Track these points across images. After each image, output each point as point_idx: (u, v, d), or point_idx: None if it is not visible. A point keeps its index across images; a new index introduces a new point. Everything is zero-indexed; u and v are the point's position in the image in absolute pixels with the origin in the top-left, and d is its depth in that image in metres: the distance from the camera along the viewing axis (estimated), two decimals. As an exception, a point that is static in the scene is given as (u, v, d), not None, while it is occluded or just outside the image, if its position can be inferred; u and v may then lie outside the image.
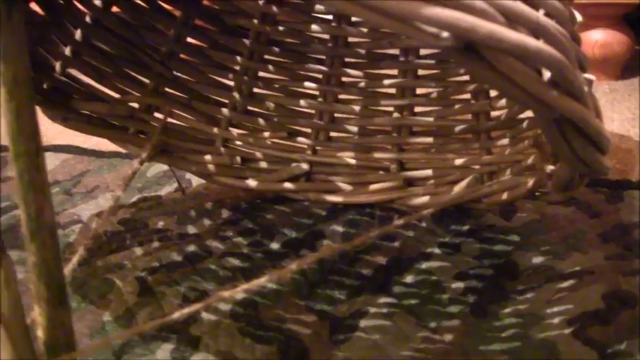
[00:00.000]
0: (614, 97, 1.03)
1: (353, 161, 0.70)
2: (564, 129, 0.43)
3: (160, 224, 0.69)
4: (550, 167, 0.54)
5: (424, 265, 0.58)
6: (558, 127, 0.43)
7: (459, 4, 0.34)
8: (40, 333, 0.38)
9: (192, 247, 0.64)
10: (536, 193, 0.60)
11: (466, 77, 0.67)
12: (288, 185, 0.70)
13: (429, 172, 0.67)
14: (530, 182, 0.57)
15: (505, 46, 0.34)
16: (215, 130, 0.71)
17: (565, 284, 0.54)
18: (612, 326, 0.49)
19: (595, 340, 0.47)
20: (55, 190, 0.78)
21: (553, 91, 0.39)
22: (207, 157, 0.71)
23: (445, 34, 0.34)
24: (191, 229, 0.67)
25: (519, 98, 0.38)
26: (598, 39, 1.09)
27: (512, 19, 0.36)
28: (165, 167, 0.81)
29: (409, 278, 0.57)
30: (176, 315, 0.39)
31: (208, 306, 0.54)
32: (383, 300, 0.54)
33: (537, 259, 0.58)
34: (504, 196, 0.60)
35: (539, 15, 0.39)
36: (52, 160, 0.87)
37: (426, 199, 0.66)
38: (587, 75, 0.47)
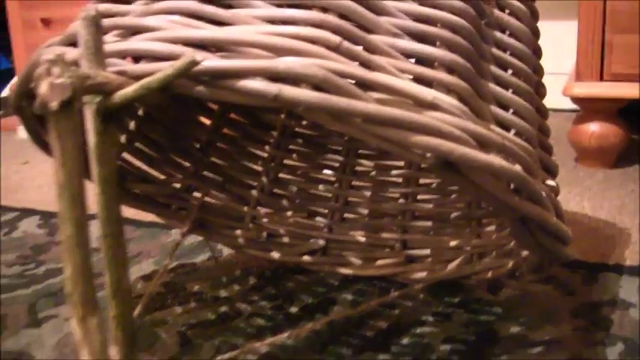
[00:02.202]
0: (607, 185, 1.13)
1: (363, 239, 0.81)
2: (529, 225, 0.54)
3: (196, 288, 0.80)
4: (525, 252, 0.65)
5: (418, 330, 0.69)
6: (524, 224, 0.54)
7: (441, 133, 0.45)
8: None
9: (224, 308, 0.75)
10: (516, 273, 0.71)
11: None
12: (306, 258, 0.82)
13: (427, 251, 0.78)
14: (510, 264, 0.68)
15: (475, 164, 0.46)
16: (245, 208, 0.83)
17: (535, 350, 0.64)
18: (570, 385, 0.59)
19: (554, 395, 0.58)
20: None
21: (515, 197, 0.50)
22: (238, 232, 0.83)
23: (429, 154, 0.46)
24: (223, 293, 0.79)
25: (488, 201, 0.50)
26: (594, 130, 1.17)
27: (483, 143, 0.48)
28: (200, 238, 0.92)
29: (405, 340, 0.67)
30: None
31: (239, 357, 0.65)
32: (382, 357, 0.65)
33: (514, 329, 0.68)
34: (489, 274, 0.71)
35: (506, 138, 0.51)
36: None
37: (424, 274, 0.77)
38: (550, 182, 0.59)
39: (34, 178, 1.33)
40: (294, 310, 0.75)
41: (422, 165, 0.81)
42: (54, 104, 0.40)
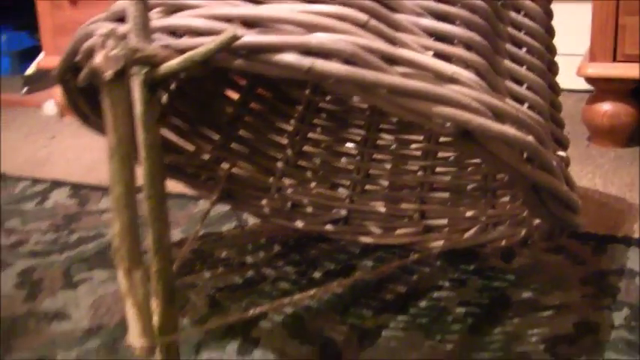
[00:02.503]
0: (618, 163, 1.16)
1: (383, 210, 0.85)
2: (541, 194, 0.58)
3: (224, 254, 0.85)
4: (537, 221, 0.69)
5: (435, 294, 0.73)
6: (536, 192, 0.58)
7: (460, 104, 0.49)
8: (155, 320, 0.53)
9: (250, 273, 0.79)
10: (528, 242, 0.74)
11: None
12: (329, 227, 0.86)
13: (444, 221, 0.82)
14: (523, 232, 0.72)
15: (491, 134, 0.50)
16: (271, 179, 0.87)
17: (545, 314, 0.68)
18: (577, 346, 0.63)
19: (561, 354, 0.62)
20: (135, 223, 0.95)
21: (528, 166, 0.54)
22: (264, 202, 0.87)
23: (448, 124, 0.49)
24: (249, 259, 0.83)
25: (502, 169, 0.53)
26: (607, 110, 1.20)
27: (498, 114, 0.51)
28: (226, 209, 0.96)
29: (422, 303, 0.72)
30: (244, 315, 0.54)
31: (266, 314, 0.69)
32: (401, 318, 0.69)
33: (526, 294, 0.72)
34: (503, 242, 0.75)
35: (520, 110, 0.55)
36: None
37: (440, 242, 0.81)
38: (560, 153, 0.62)
39: (62, 152, 1.38)
40: (317, 275, 0.79)
41: (441, 136, 0.85)
42: (108, 74, 0.44)
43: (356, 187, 0.87)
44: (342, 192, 0.87)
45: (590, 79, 1.20)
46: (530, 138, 0.53)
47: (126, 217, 0.48)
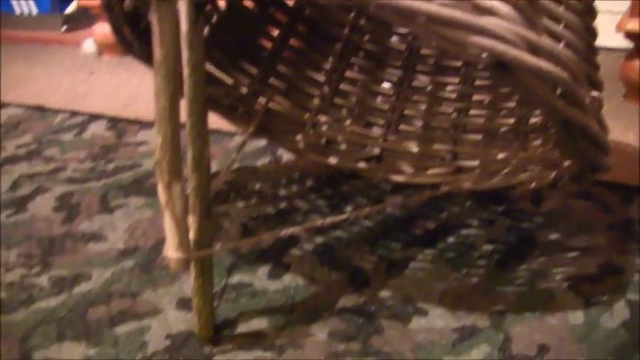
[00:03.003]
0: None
1: (416, 150, 0.86)
2: (571, 130, 0.59)
3: (257, 187, 0.86)
4: (566, 163, 0.70)
5: (464, 232, 0.75)
6: (567, 128, 0.59)
7: (497, 35, 0.50)
8: (191, 234, 0.55)
9: (282, 205, 0.81)
10: (558, 184, 0.75)
11: (513, 89, 0.83)
12: (361, 164, 0.87)
13: (476, 162, 0.83)
14: (553, 174, 0.73)
15: (525, 66, 0.51)
16: (306, 115, 0.88)
17: (570, 254, 0.70)
18: (599, 285, 0.64)
19: (583, 292, 0.63)
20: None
21: (560, 101, 0.55)
22: (299, 137, 0.88)
23: (484, 54, 0.50)
24: (282, 192, 0.85)
25: (534, 103, 0.54)
26: None
27: (534, 48, 0.52)
28: (261, 144, 0.98)
29: (451, 239, 0.73)
30: (277, 235, 0.56)
31: (297, 241, 0.71)
32: (429, 251, 0.71)
33: (553, 236, 0.73)
34: (533, 184, 0.76)
35: (555, 46, 0.55)
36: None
37: (471, 183, 0.82)
38: (594, 93, 0.63)
39: (100, 88, 1.40)
40: (348, 209, 0.80)
41: (476, 80, 0.85)
42: (157, -11, 0.46)
43: (390, 126, 0.88)
44: (377, 131, 0.88)
45: (629, 35, 1.19)
46: (564, 74, 0.54)
47: (169, 129, 0.49)
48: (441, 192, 0.66)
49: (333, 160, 0.87)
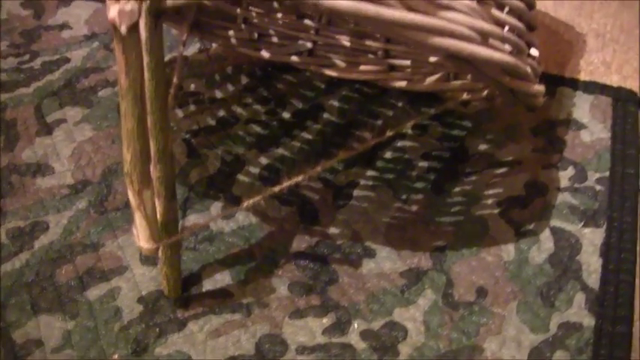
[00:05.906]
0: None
1: (348, 44, 0.87)
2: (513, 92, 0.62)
3: (192, 87, 0.87)
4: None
5: (399, 144, 0.79)
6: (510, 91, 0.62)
7: (453, 34, 0.52)
8: (158, 216, 0.57)
9: (222, 112, 0.83)
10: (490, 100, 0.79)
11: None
12: (294, 58, 0.88)
13: (408, 62, 0.85)
14: (485, 92, 0.76)
15: (480, 59, 0.53)
16: (238, 10, 0.87)
17: (499, 171, 0.75)
18: (527, 211, 0.70)
19: (514, 220, 0.69)
20: (94, 44, 0.94)
21: (507, 77, 0.58)
22: (231, 32, 0.87)
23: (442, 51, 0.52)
24: (218, 94, 0.86)
25: (486, 81, 0.57)
26: None
27: (487, 39, 0.54)
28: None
29: (388, 154, 0.77)
30: (245, 204, 0.59)
31: (243, 165, 0.74)
32: (369, 173, 0.75)
33: (482, 147, 0.78)
34: (464, 95, 0.80)
35: (505, 36, 0.58)
36: (84, 10, 1.01)
37: (403, 83, 0.84)
38: (533, 51, 0.66)
39: None
40: (286, 116, 0.83)
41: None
42: (123, 29, 0.45)
43: (322, 19, 0.88)
44: (309, 23, 0.88)
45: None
46: (510, 58, 0.57)
47: (137, 146, 0.51)
48: (386, 137, 0.69)
49: (265, 54, 0.88)
